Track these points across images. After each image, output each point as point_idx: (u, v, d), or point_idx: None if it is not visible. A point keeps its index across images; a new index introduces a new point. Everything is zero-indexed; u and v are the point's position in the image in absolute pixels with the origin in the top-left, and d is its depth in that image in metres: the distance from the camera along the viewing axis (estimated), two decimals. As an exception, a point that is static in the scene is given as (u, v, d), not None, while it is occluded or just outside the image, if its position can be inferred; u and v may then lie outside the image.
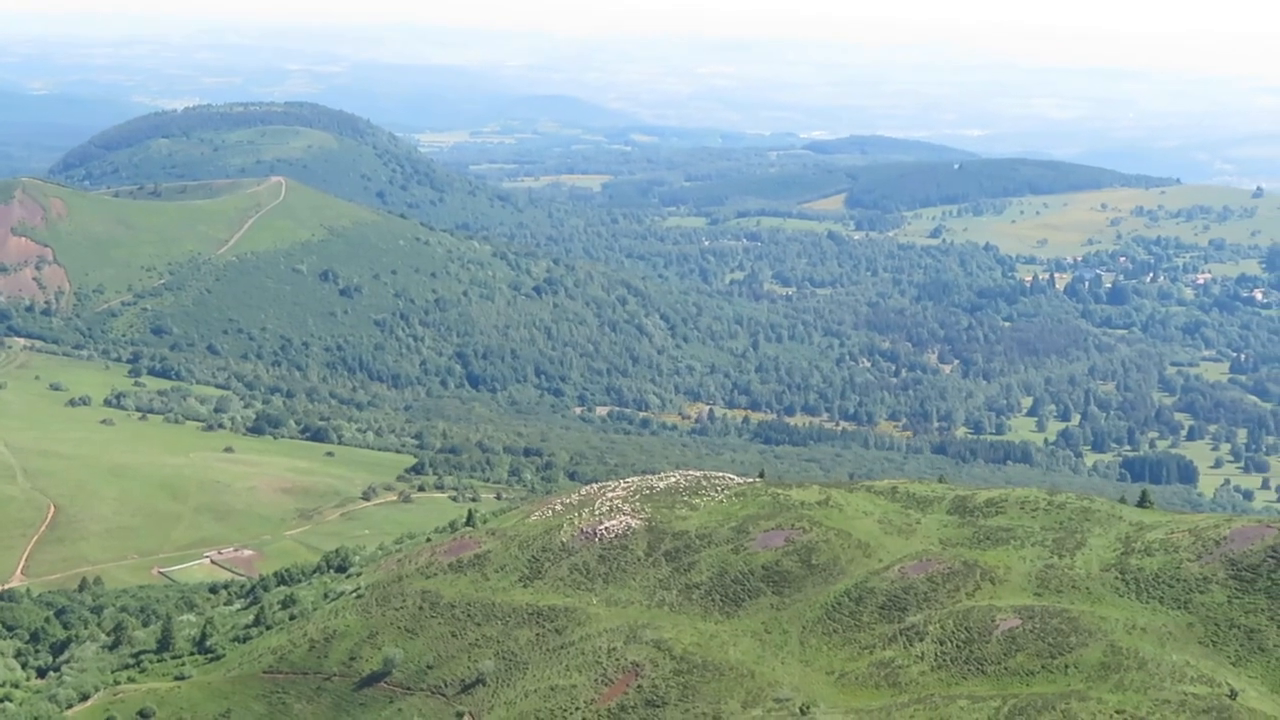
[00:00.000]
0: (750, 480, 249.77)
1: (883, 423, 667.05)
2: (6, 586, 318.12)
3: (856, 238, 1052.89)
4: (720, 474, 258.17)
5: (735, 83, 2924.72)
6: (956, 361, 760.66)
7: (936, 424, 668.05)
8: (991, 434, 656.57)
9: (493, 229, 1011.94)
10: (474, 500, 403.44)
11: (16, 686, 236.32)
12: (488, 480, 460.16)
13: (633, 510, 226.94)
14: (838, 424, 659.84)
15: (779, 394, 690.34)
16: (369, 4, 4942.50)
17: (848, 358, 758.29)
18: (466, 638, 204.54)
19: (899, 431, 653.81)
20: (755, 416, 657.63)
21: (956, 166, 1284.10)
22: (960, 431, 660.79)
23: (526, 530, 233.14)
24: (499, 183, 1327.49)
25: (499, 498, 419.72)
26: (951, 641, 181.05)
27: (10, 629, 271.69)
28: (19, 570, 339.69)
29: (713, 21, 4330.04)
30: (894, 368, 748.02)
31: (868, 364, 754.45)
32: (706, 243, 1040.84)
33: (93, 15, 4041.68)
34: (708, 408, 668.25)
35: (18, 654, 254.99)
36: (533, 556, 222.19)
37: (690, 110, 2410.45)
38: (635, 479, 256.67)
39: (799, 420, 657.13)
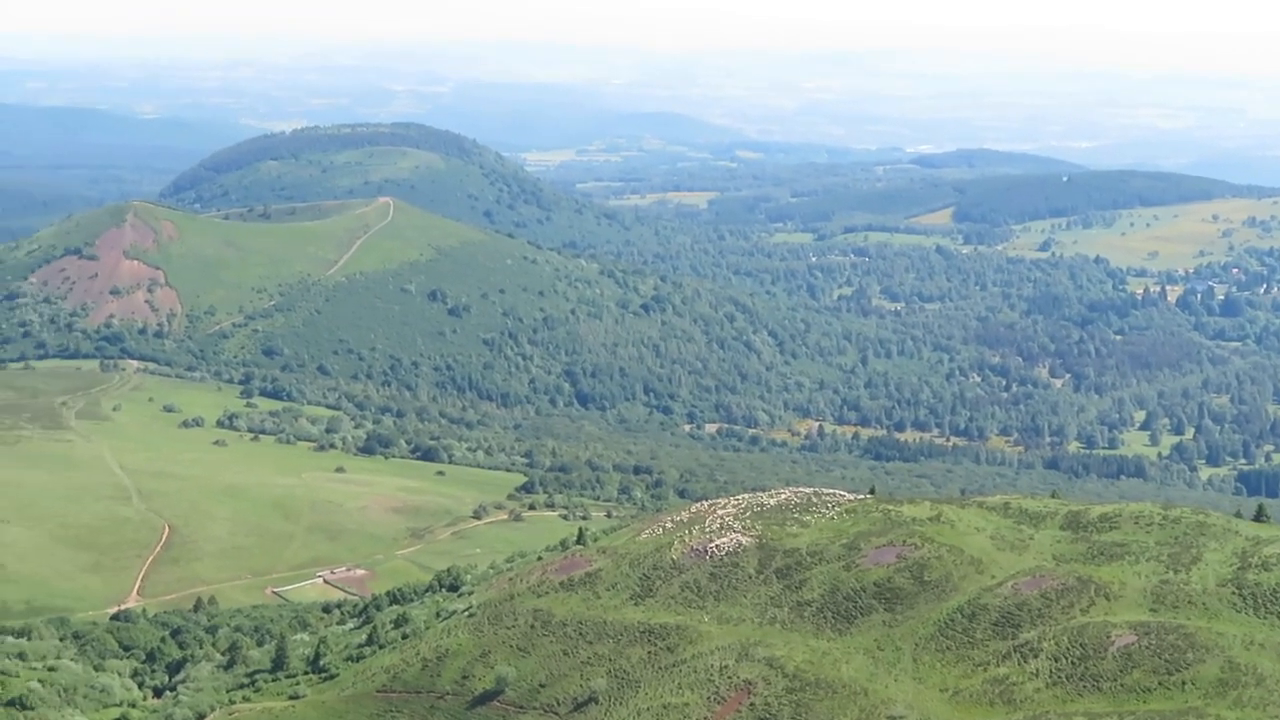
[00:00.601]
0: (861, 497, 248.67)
1: (994, 438, 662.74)
2: (123, 607, 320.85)
3: (965, 252, 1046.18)
4: (831, 490, 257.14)
5: (839, 97, 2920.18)
6: (1068, 375, 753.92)
7: (1048, 439, 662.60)
8: (1104, 448, 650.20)
9: (600, 247, 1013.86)
10: (584, 518, 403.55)
11: (134, 706, 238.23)
12: (598, 498, 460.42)
13: (743, 527, 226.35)
14: (948, 439, 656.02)
15: (889, 409, 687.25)
16: (469, 22, 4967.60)
17: (957, 373, 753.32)
18: (578, 656, 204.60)
19: (1010, 446, 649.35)
20: (865, 432, 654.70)
21: (1065, 179, 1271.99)
22: (1072, 446, 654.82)
23: (637, 548, 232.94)
24: (605, 201, 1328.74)
25: (609, 516, 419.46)
26: (1066, 658, 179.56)
27: (127, 649, 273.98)
28: (135, 591, 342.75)
29: (816, 35, 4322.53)
30: (1004, 382, 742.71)
31: (978, 379, 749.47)
32: (814, 258, 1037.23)
33: (200, 39, 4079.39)
34: (817, 424, 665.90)
35: (134, 674, 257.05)
36: (644, 574, 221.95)
37: (795, 125, 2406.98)
38: (745, 496, 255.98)
39: (909, 436, 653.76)
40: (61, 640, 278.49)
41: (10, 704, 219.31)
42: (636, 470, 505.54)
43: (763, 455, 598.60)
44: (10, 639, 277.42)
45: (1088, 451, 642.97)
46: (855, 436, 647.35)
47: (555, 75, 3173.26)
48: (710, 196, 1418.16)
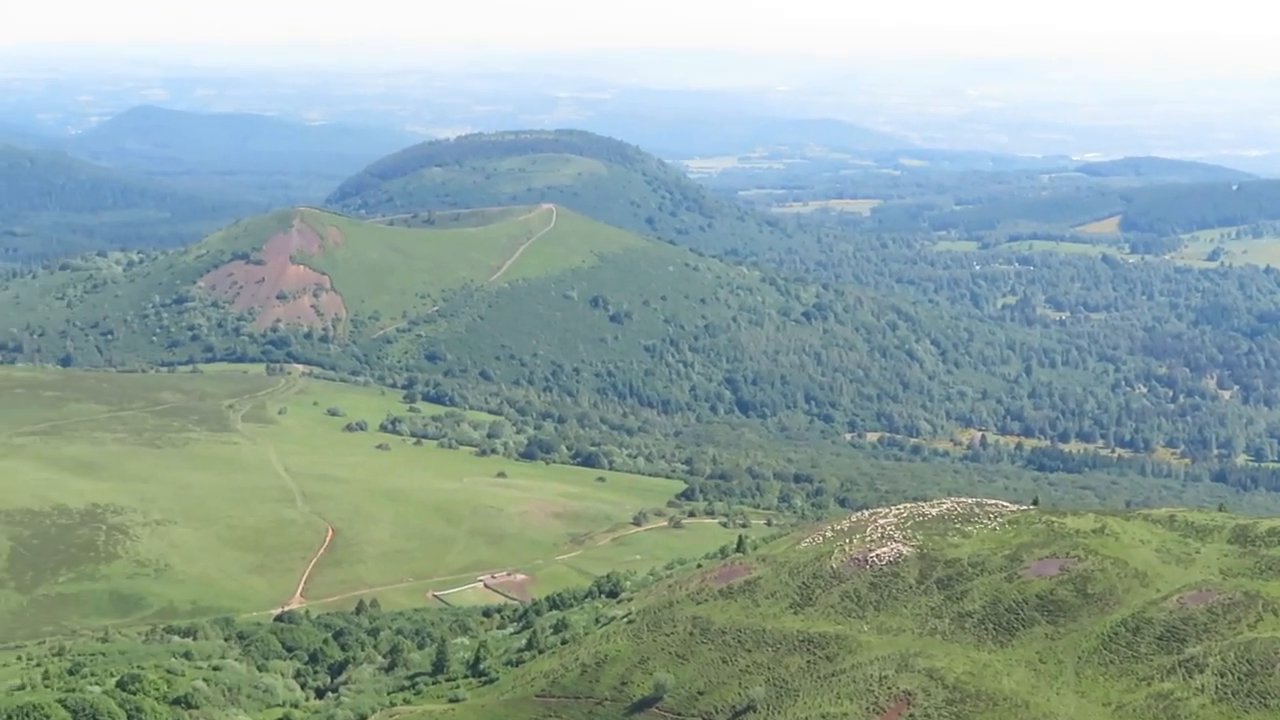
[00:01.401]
0: (1024, 507, 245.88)
1: (1160, 449, 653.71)
2: (287, 608, 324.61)
3: (1131, 261, 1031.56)
4: (993, 501, 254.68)
5: (1005, 104, 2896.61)
6: (1236, 387, 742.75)
7: (1216, 451, 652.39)
8: (1273, 461, 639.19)
9: (761, 254, 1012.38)
10: (744, 526, 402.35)
11: (296, 706, 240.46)
12: (758, 506, 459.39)
13: (904, 537, 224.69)
14: (1113, 451, 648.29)
15: (1053, 420, 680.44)
16: (633, 31, 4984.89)
17: (1123, 383, 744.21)
18: (737, 664, 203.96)
19: (1177, 459, 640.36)
20: (1028, 443, 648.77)
21: (1235, 188, 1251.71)
22: (1240, 459, 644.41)
23: (797, 557, 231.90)
24: (767, 208, 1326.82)
25: (769, 524, 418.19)
26: (1233, 674, 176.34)
27: (290, 650, 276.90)
28: (299, 592, 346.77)
29: (981, 43, 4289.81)
30: (1171, 393, 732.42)
31: (1144, 390, 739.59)
32: (977, 267, 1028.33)
33: (366, 47, 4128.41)
34: (980, 434, 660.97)
35: (297, 674, 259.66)
36: (803, 583, 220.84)
37: (959, 133, 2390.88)
38: (907, 505, 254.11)
39: (1073, 447, 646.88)
40: (226, 640, 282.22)
41: (176, 702, 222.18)
42: (797, 478, 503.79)
43: (924, 465, 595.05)
44: (177, 638, 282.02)
45: (1256, 465, 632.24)
46: (1018, 447, 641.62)
47: (719, 82, 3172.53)
48: (873, 204, 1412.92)
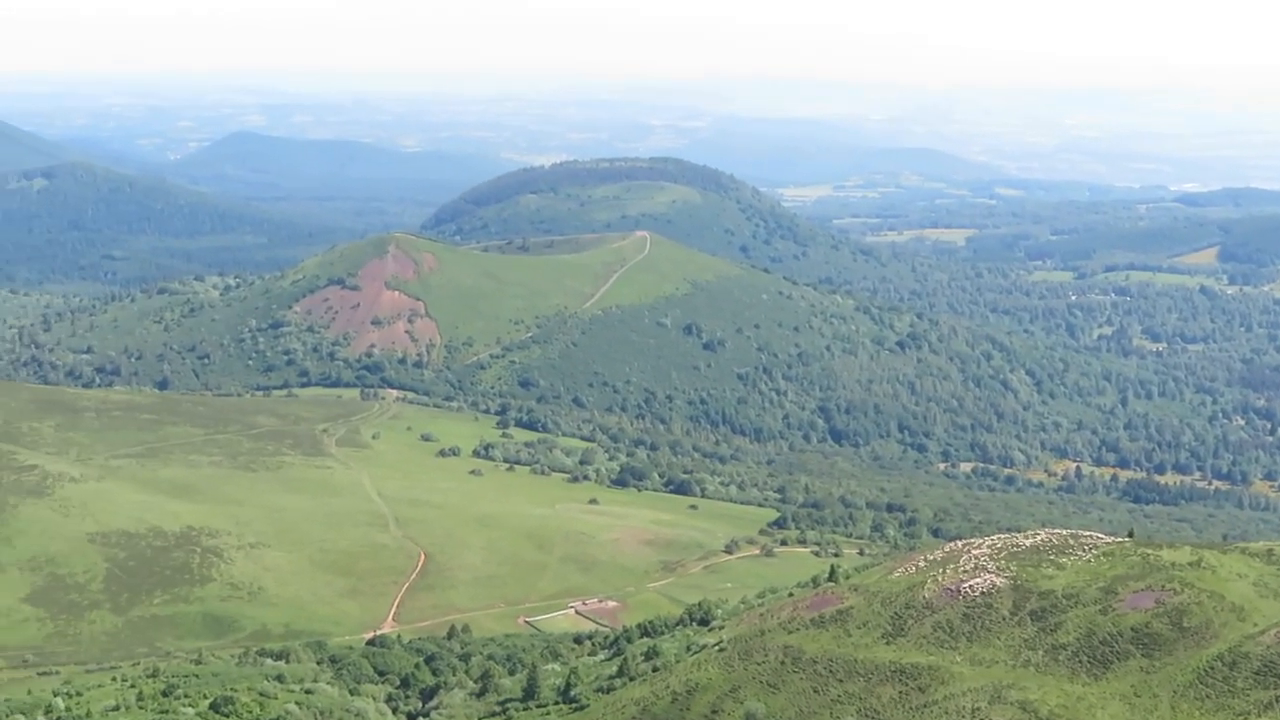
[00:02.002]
0: (1119, 539, 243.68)
1: (1258, 482, 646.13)
2: (379, 632, 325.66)
3: (1230, 292, 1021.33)
4: (1088, 532, 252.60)
5: (1100, 134, 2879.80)
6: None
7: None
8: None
9: (855, 283, 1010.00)
10: (836, 555, 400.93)
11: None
12: (850, 535, 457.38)
13: (998, 568, 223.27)
14: (1210, 483, 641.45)
15: (1148, 452, 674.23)
16: (729, 60, 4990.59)
17: (1221, 415, 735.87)
18: (829, 694, 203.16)
19: (1275, 492, 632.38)
20: (1124, 474, 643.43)
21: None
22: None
23: (889, 586, 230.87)
24: (862, 236, 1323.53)
25: (861, 553, 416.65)
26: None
27: (382, 674, 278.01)
28: (390, 617, 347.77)
29: (1076, 73, 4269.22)
30: (1269, 426, 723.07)
31: (1242, 422, 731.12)
32: (1073, 297, 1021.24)
33: (463, 74, 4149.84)
34: (1075, 465, 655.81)
35: (389, 699, 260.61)
36: (895, 613, 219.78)
37: (1055, 163, 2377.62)
38: (1000, 536, 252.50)
39: (1169, 479, 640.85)
40: (319, 664, 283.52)
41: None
42: (890, 508, 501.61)
43: (1018, 495, 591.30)
44: (270, 661, 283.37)
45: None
46: (1114, 478, 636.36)
47: (814, 111, 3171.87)
48: (968, 233, 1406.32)
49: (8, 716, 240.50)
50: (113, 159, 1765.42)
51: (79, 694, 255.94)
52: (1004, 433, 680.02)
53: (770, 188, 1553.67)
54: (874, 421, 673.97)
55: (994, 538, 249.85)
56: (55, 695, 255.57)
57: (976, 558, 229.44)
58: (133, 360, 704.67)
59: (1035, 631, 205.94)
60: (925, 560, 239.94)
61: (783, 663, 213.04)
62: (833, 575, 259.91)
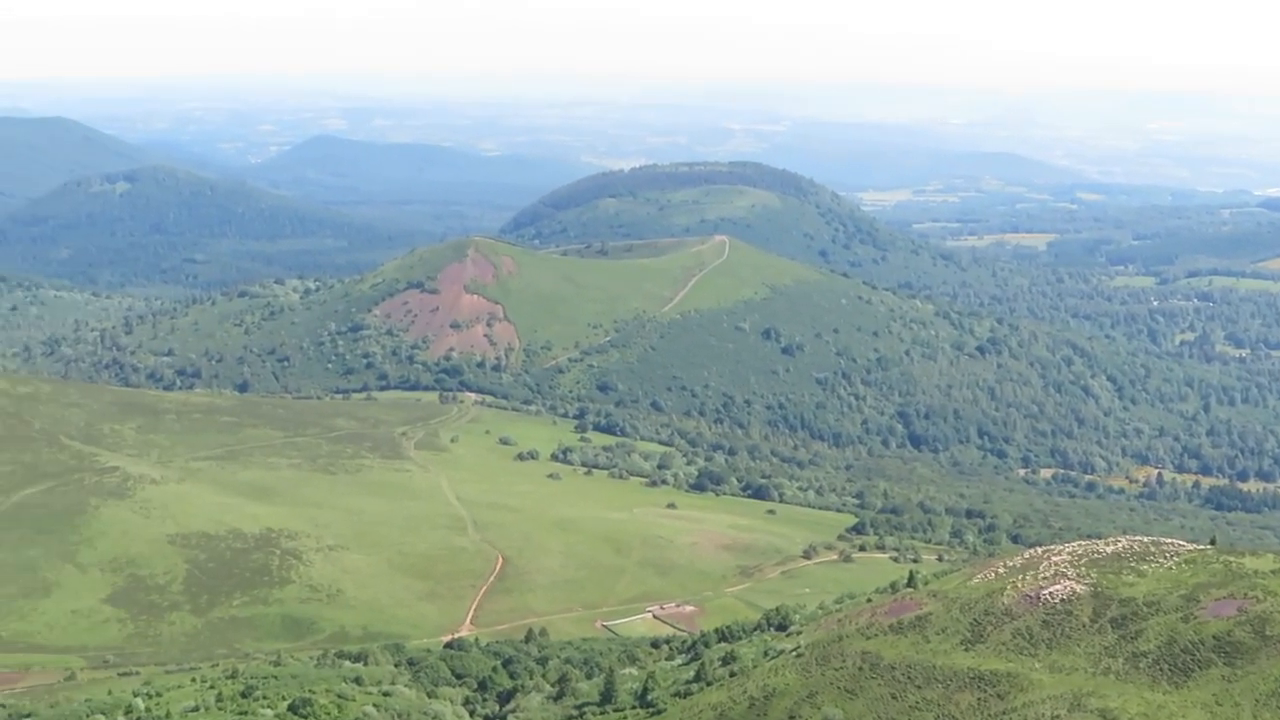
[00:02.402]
0: (1201, 547, 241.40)
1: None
2: (456, 635, 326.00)
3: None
4: (1169, 540, 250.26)
5: (1183, 138, 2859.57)
6: None
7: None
8: None
9: (935, 288, 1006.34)
10: (915, 561, 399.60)
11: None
12: (929, 541, 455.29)
13: (1078, 575, 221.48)
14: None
15: (1231, 459, 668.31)
16: (810, 64, 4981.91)
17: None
18: (906, 700, 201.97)
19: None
20: (1206, 481, 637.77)
21: None
22: None
23: (968, 593, 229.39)
24: (941, 241, 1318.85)
25: (940, 559, 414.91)
26: None
27: (459, 677, 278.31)
28: (468, 620, 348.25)
29: (1158, 77, 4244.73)
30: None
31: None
32: (1155, 302, 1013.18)
33: (542, 78, 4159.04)
34: (1156, 471, 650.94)
35: (466, 702, 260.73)
36: (974, 619, 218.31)
37: (1137, 167, 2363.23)
38: (1081, 543, 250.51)
39: (1252, 486, 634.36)
40: (396, 666, 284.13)
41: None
42: (969, 514, 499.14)
43: (1099, 502, 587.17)
44: (348, 663, 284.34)
45: None
46: (1196, 485, 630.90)
47: (893, 115, 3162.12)
48: (1049, 238, 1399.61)
49: (89, 716, 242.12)
50: (194, 162, 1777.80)
51: (159, 694, 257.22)
52: (1085, 439, 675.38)
53: (850, 192, 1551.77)
54: (953, 427, 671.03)
55: (1074, 544, 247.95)
56: (135, 695, 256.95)
57: (1056, 564, 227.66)
58: (213, 363, 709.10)
59: (1115, 639, 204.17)
60: (1005, 566, 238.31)
61: (860, 668, 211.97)
62: (911, 581, 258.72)
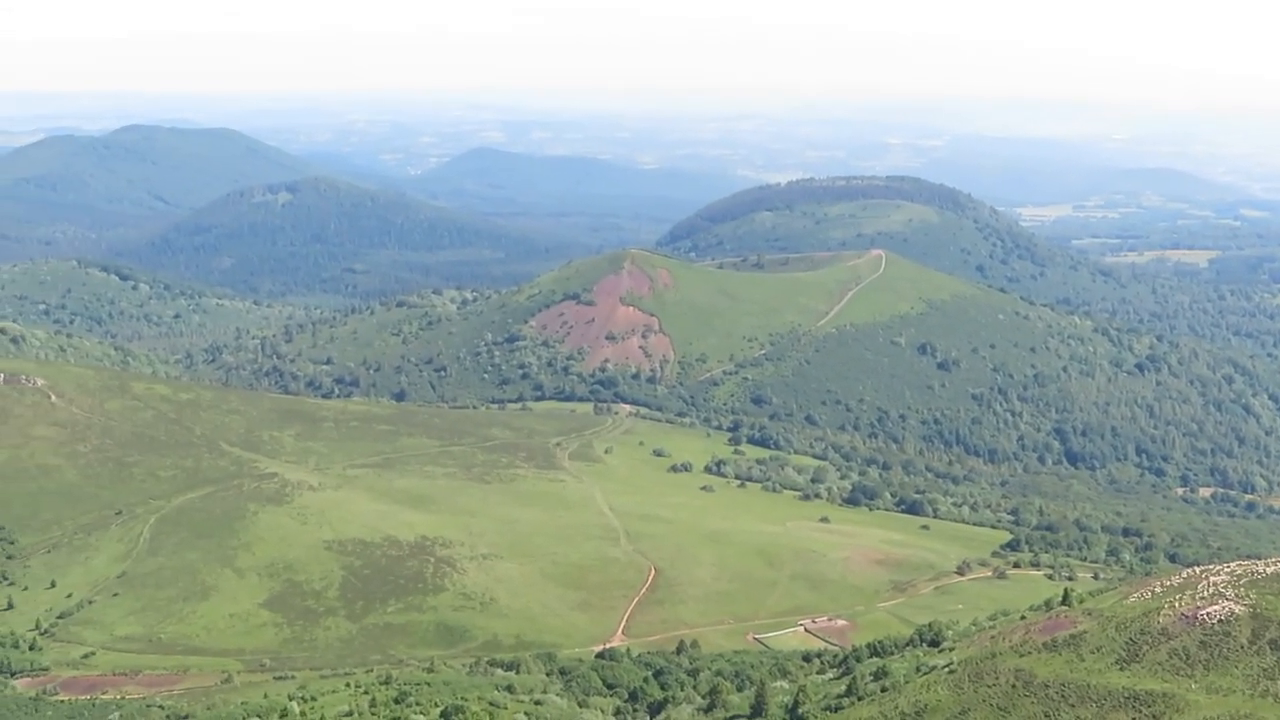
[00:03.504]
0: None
1: None
2: (608, 645, 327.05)
3: None
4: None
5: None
6: None
7: None
8: None
9: (1094, 304, 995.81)
10: (1070, 579, 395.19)
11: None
12: (1084, 559, 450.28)
13: (1237, 595, 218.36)
14: None
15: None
16: (968, 78, 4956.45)
17: None
18: (1060, 719, 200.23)
19: None
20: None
21: None
22: None
23: (1124, 611, 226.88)
24: (1101, 257, 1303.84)
25: (1096, 577, 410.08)
26: None
27: (611, 687, 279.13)
28: (620, 630, 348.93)
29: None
30: None
31: None
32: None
33: (700, 93, 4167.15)
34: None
35: (617, 712, 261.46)
36: (1130, 639, 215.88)
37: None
38: (1240, 563, 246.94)
39: None
40: (548, 675, 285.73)
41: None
42: (1125, 532, 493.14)
43: (1259, 522, 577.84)
44: (500, 671, 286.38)
45: None
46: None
47: (1053, 130, 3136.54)
48: (1211, 255, 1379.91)
49: (245, 719, 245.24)
50: (355, 174, 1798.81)
51: (313, 699, 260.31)
52: (1245, 458, 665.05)
53: (1008, 207, 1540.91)
54: (1110, 444, 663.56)
55: (1233, 565, 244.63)
56: (290, 699, 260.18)
57: (1215, 584, 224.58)
58: (371, 372, 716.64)
59: (1275, 661, 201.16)
60: (1161, 586, 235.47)
61: (1014, 686, 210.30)
62: (1066, 599, 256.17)
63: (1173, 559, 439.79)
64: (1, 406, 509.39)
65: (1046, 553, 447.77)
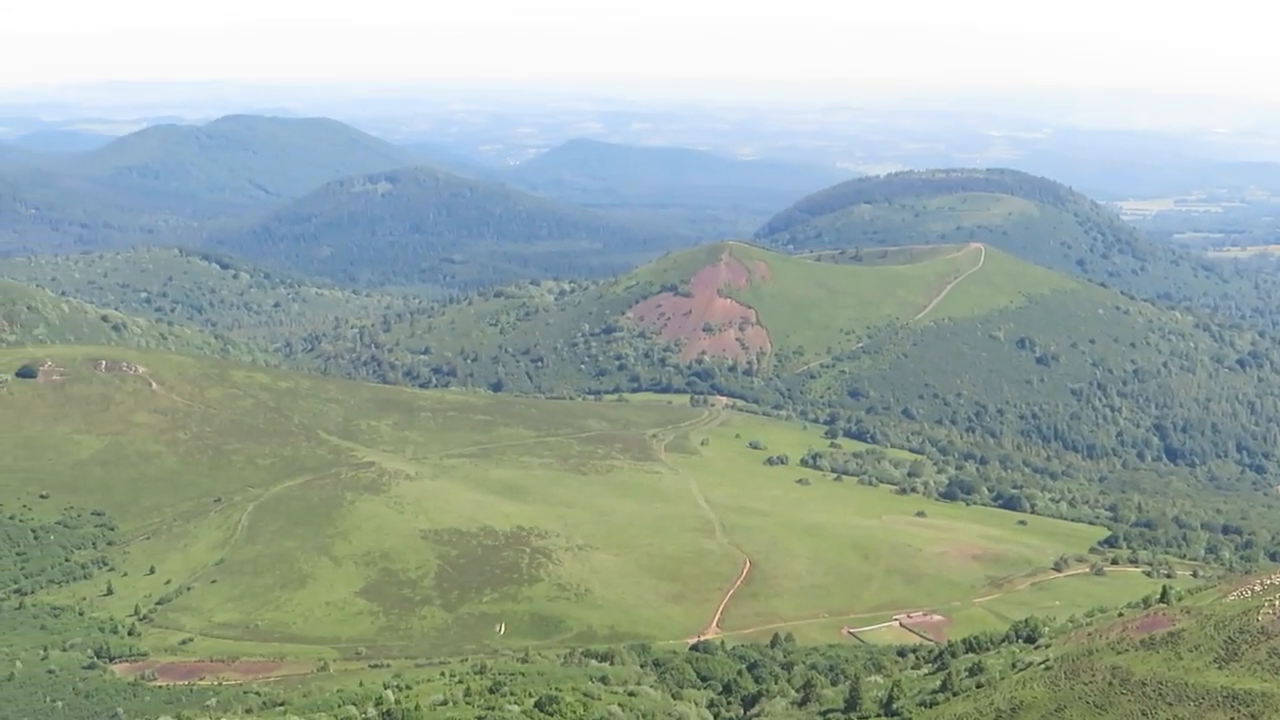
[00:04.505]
0: None
1: None
2: (703, 637, 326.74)
3: None
4: None
5: None
6: None
7: None
8: None
9: (1195, 299, 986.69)
10: (1169, 576, 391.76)
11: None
12: (1183, 556, 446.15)
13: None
14: None
15: None
16: (1071, 70, 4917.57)
17: None
18: (1157, 717, 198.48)
19: None
20: None
21: None
22: None
23: (1223, 610, 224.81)
24: (1203, 252, 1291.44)
25: (1195, 575, 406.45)
26: None
27: (704, 679, 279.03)
28: (714, 623, 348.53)
29: None
30: None
31: None
32: None
33: (800, 84, 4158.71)
34: None
35: (710, 704, 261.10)
36: (1229, 637, 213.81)
37: None
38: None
39: None
40: (642, 667, 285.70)
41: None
42: (1225, 530, 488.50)
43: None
44: (594, 662, 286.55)
45: None
46: None
47: (1156, 123, 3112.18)
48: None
49: (340, 707, 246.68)
50: (454, 164, 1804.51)
51: (408, 687, 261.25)
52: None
53: (1109, 200, 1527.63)
54: (1211, 441, 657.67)
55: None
56: (386, 688, 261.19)
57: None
58: (468, 362, 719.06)
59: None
60: (1262, 584, 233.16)
61: (1110, 683, 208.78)
62: (1164, 596, 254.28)
63: (1273, 557, 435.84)
64: (103, 394, 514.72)
65: (1145, 550, 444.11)
